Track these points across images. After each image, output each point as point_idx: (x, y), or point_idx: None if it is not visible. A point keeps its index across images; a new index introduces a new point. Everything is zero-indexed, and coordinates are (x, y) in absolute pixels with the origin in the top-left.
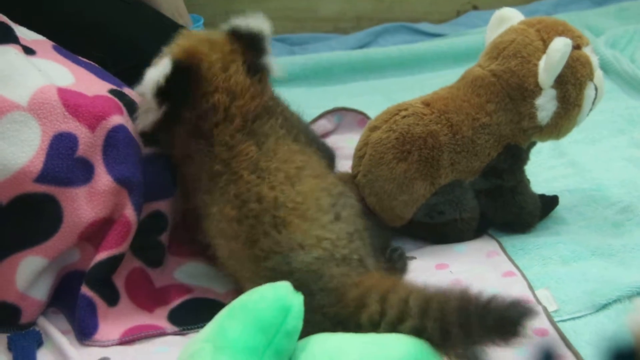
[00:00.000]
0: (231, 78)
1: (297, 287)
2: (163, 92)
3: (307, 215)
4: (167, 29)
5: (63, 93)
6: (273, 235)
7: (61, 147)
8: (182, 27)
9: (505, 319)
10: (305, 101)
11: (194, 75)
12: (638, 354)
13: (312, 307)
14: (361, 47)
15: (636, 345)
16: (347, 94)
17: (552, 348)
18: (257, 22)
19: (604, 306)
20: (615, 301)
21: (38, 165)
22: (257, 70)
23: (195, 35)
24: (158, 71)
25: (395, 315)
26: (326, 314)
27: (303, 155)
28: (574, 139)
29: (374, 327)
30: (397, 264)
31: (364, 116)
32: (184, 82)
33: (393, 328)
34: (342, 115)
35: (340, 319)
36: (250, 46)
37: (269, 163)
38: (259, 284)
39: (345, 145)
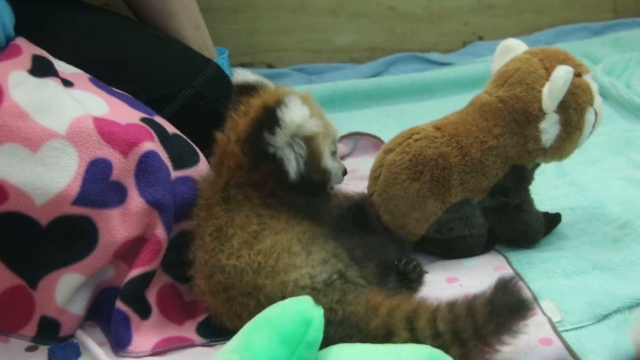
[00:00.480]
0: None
1: None
2: None
3: (276, 268)
4: (194, 60)
5: (98, 122)
6: (253, 304)
7: (97, 172)
8: (208, 59)
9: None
10: None
11: None
12: None
13: (335, 341)
14: (374, 75)
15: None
16: (361, 119)
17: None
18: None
19: (605, 316)
20: (615, 312)
21: (75, 189)
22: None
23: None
24: (299, 112)
25: (429, 339)
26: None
27: (262, 218)
28: (575, 160)
29: None
30: (411, 275)
31: (377, 140)
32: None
33: None
34: (358, 139)
35: None
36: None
37: (228, 230)
38: None
39: (360, 168)
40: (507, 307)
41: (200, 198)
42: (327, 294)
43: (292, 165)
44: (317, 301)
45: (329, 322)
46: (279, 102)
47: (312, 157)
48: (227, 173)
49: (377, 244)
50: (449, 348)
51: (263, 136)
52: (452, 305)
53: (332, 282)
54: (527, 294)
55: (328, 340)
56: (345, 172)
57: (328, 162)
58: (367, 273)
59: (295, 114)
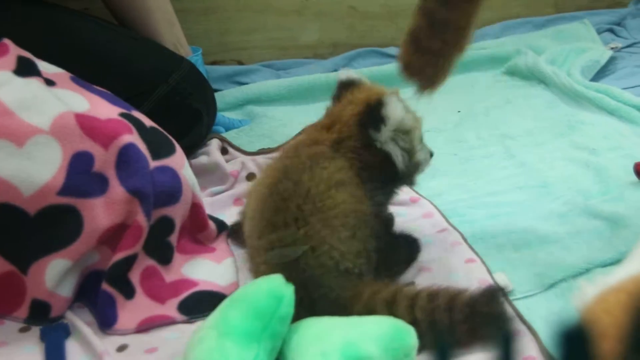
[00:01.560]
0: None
1: (299, 289)
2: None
3: (329, 223)
4: (168, 59)
5: (80, 118)
6: (292, 229)
7: (79, 164)
8: (182, 57)
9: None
10: (290, 118)
11: None
12: (586, 330)
13: (315, 313)
14: (337, 69)
15: (583, 322)
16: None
17: (509, 330)
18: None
19: (552, 285)
20: (561, 281)
21: (60, 180)
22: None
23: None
24: (399, 110)
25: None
26: None
27: (351, 179)
28: (522, 143)
29: None
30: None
31: None
32: None
33: None
34: None
35: None
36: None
37: (321, 161)
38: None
39: None
40: (487, 315)
41: (304, 137)
42: (337, 277)
43: (399, 158)
44: (327, 280)
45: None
46: (381, 101)
47: (410, 150)
48: (338, 134)
49: (391, 244)
50: (422, 336)
51: (369, 133)
52: (433, 296)
53: (349, 275)
54: (509, 311)
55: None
56: (431, 155)
57: (420, 154)
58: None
59: (396, 112)
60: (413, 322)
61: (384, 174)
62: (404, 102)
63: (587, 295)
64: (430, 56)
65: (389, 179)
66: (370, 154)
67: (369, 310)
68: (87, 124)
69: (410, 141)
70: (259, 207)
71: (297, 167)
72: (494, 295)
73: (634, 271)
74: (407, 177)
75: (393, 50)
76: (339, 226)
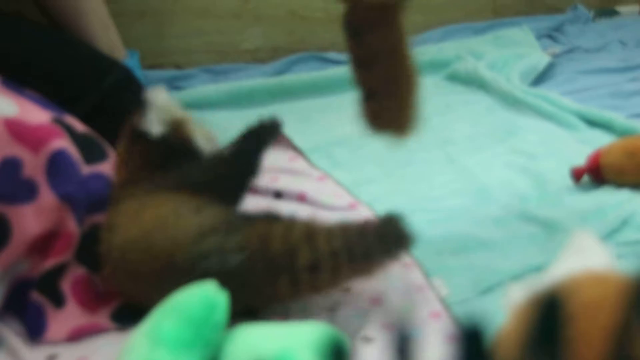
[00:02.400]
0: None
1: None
2: None
3: (166, 228)
4: (103, 62)
5: (8, 122)
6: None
7: (8, 170)
8: (116, 61)
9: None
10: (229, 124)
11: None
12: (488, 338)
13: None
14: (277, 74)
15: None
16: (266, 115)
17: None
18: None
19: (488, 290)
20: (496, 285)
21: None
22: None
23: None
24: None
25: (327, 255)
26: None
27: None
28: (462, 148)
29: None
30: None
31: (280, 135)
32: None
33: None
34: None
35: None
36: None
37: (117, 219)
38: None
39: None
40: (394, 236)
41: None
42: (222, 242)
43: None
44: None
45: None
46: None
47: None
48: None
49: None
50: (341, 266)
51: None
52: (344, 228)
53: (219, 228)
54: (409, 229)
55: (251, 286)
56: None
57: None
58: None
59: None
60: (332, 252)
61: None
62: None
63: (514, 298)
64: (379, 100)
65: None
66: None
67: (289, 246)
68: (16, 129)
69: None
70: None
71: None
72: (395, 218)
73: (558, 274)
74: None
75: (333, 55)
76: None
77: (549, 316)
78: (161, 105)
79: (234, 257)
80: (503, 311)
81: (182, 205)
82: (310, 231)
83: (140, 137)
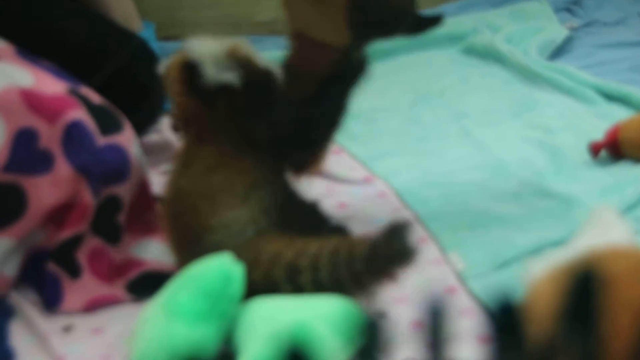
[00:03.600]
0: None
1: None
2: None
3: (215, 200)
4: (118, 34)
5: (24, 93)
6: (190, 222)
7: (24, 140)
8: (132, 33)
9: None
10: None
11: None
12: (521, 309)
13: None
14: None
15: (525, 300)
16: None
17: (439, 300)
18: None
19: (505, 264)
20: (513, 260)
21: (4, 157)
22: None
23: None
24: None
25: (310, 289)
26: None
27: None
28: (478, 123)
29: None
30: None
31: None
32: None
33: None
34: None
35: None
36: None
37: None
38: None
39: None
40: (387, 255)
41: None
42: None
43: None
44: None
45: None
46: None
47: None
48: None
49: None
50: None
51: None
52: (334, 253)
53: (245, 233)
54: (413, 241)
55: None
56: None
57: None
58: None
59: (203, 47)
60: (318, 285)
61: (242, 126)
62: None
63: (533, 273)
64: None
65: (253, 126)
66: (216, 117)
67: (270, 278)
68: (32, 100)
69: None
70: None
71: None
72: (395, 231)
73: (579, 249)
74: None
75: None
76: (224, 199)
77: (584, 287)
78: (208, 53)
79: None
80: (522, 285)
81: (237, 181)
82: (293, 264)
83: (217, 92)
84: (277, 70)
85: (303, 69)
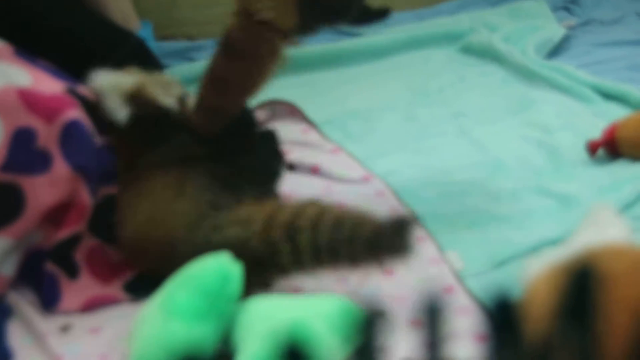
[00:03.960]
0: None
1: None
2: None
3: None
4: (116, 33)
5: (22, 92)
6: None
7: (22, 140)
8: (129, 32)
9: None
10: None
11: None
12: (518, 307)
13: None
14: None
15: (523, 298)
16: (278, 87)
17: (436, 299)
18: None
19: (502, 263)
20: (511, 259)
21: (2, 157)
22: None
23: None
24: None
25: (308, 253)
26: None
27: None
28: (475, 121)
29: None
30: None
31: (293, 107)
32: None
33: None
34: (275, 106)
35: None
36: None
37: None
38: None
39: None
40: (388, 247)
41: None
42: (202, 227)
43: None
44: (195, 235)
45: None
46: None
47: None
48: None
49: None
50: (323, 262)
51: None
52: (337, 222)
53: (207, 215)
54: (414, 239)
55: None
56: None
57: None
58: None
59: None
60: (315, 250)
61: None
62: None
63: (531, 271)
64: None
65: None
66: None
67: (269, 243)
68: (29, 99)
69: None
70: None
71: None
72: (399, 227)
73: (576, 247)
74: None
75: (345, 27)
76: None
77: (581, 285)
78: (109, 88)
79: (230, 230)
80: (521, 284)
81: (168, 190)
82: (291, 224)
83: (115, 127)
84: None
85: (241, 47)
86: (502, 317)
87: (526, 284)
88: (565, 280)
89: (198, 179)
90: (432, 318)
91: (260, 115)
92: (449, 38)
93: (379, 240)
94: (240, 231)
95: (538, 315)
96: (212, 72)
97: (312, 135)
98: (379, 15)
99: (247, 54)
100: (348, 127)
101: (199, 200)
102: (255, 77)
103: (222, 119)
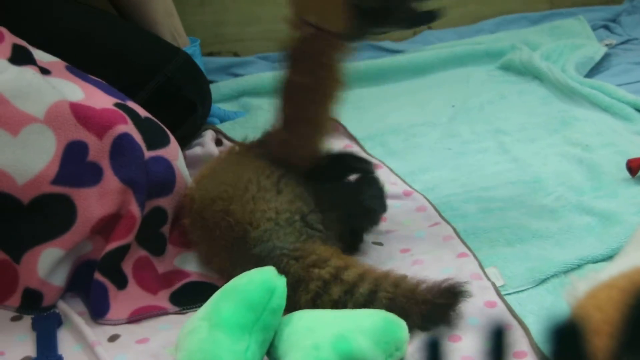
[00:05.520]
0: None
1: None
2: None
3: (244, 198)
4: (165, 49)
5: (74, 107)
6: (224, 226)
7: (74, 153)
8: (178, 47)
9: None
10: None
11: None
12: (577, 326)
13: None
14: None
15: (574, 317)
16: None
17: (502, 320)
18: None
19: (544, 281)
20: (553, 276)
21: (54, 169)
22: None
23: None
24: None
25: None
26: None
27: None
28: (515, 138)
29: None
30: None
31: (336, 122)
32: None
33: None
34: None
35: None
36: None
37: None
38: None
39: None
40: (442, 320)
41: None
42: (287, 232)
43: None
44: (277, 236)
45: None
46: None
47: None
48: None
49: (347, 191)
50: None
51: None
52: (392, 300)
53: (293, 222)
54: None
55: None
56: None
57: None
58: (330, 221)
59: None
60: (371, 301)
61: None
62: None
63: (578, 290)
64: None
65: None
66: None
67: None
68: (81, 113)
69: None
70: None
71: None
72: (450, 301)
73: (625, 267)
74: None
75: (388, 44)
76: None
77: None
78: None
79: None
80: (565, 303)
81: (263, 175)
82: (360, 278)
83: None
84: None
85: (305, 55)
86: (563, 337)
87: (574, 304)
88: (625, 303)
89: (298, 185)
90: (496, 346)
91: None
92: (489, 55)
93: (429, 319)
94: (300, 270)
95: (596, 335)
96: (284, 87)
97: (355, 151)
98: (429, 16)
99: (309, 63)
100: (389, 143)
101: (293, 202)
102: (323, 84)
103: (308, 140)
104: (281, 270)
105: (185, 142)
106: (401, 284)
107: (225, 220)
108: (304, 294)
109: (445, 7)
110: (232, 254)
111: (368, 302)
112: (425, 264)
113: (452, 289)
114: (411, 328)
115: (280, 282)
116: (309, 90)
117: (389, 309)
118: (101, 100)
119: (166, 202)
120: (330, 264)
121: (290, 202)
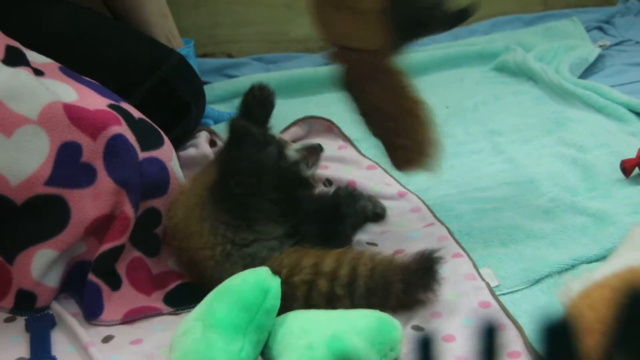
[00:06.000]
0: None
1: None
2: None
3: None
4: (158, 51)
5: (68, 108)
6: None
7: (67, 154)
8: (172, 49)
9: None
10: (280, 111)
11: None
12: (570, 325)
13: None
14: (327, 64)
15: (567, 316)
16: (315, 104)
17: (494, 320)
18: None
19: (538, 281)
20: (547, 276)
21: (47, 170)
22: None
23: None
24: None
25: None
26: None
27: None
28: (510, 139)
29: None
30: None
31: (330, 123)
32: None
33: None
34: (312, 123)
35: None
36: None
37: None
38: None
39: None
40: (421, 286)
41: None
42: (233, 262)
43: None
44: (224, 269)
45: None
46: None
47: None
48: None
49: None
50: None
51: None
52: (370, 274)
53: (229, 254)
54: (439, 274)
55: None
56: None
57: None
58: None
59: None
60: (351, 290)
61: None
62: None
63: (571, 290)
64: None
65: None
66: None
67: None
68: (75, 115)
69: None
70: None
71: None
72: (428, 267)
73: (618, 267)
74: None
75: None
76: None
77: (634, 307)
78: None
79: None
80: (558, 303)
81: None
82: (335, 269)
83: None
84: None
85: (359, 81)
86: (555, 336)
87: (567, 304)
88: (617, 303)
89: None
90: (488, 347)
91: (297, 131)
92: (483, 57)
93: (410, 285)
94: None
95: (593, 343)
96: (367, 119)
97: (349, 152)
98: (462, 15)
99: (369, 86)
100: None
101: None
102: (390, 95)
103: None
104: None
105: (179, 143)
106: (377, 257)
107: (185, 254)
108: (295, 303)
109: (477, 1)
110: (204, 278)
111: (352, 280)
112: None
113: (427, 255)
114: (395, 297)
115: (274, 283)
116: (387, 104)
117: (371, 280)
118: (95, 101)
119: (160, 203)
120: (304, 265)
121: (212, 233)
